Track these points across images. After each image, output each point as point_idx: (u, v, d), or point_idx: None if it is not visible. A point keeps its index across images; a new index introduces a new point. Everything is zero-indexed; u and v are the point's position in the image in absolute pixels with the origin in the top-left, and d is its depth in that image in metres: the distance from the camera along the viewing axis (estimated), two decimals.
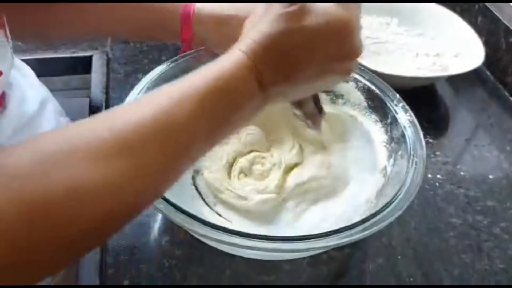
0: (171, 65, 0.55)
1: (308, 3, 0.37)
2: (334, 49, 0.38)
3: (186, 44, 0.56)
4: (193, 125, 0.33)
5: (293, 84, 0.38)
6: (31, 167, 0.27)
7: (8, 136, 0.49)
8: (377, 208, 0.43)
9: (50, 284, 0.54)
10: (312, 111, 0.51)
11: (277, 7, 0.37)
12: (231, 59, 0.36)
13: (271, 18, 0.37)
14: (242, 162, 0.56)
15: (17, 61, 0.58)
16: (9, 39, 0.50)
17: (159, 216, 0.53)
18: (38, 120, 0.54)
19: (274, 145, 0.59)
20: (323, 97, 0.58)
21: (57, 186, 0.27)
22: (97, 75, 0.71)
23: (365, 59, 0.68)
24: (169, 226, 0.52)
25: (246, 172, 0.56)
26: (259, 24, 0.37)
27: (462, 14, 0.78)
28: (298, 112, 0.52)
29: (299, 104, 0.51)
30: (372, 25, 0.78)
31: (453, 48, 0.74)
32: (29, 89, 0.56)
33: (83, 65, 0.75)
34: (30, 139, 0.29)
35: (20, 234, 0.25)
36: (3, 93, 0.49)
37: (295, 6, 0.36)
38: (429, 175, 0.60)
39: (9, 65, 0.49)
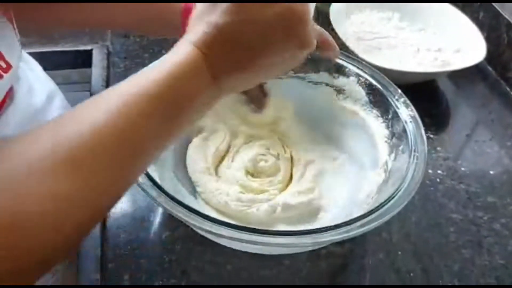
0: None
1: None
2: (286, 38, 0.37)
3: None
4: (144, 124, 0.32)
5: (246, 74, 0.38)
6: None
7: (14, 129, 0.49)
8: (378, 203, 0.43)
9: (51, 282, 0.55)
10: (257, 94, 0.52)
11: None
12: (181, 52, 0.35)
13: (221, 10, 0.36)
14: (244, 162, 0.56)
15: (24, 54, 0.58)
16: (17, 34, 0.50)
17: (159, 211, 0.53)
18: (45, 113, 0.54)
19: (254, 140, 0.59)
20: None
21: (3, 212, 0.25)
22: (97, 69, 0.71)
23: (366, 54, 0.68)
24: (169, 221, 0.52)
25: (252, 172, 0.55)
26: (208, 16, 0.36)
27: (464, 9, 0.78)
28: (241, 96, 0.54)
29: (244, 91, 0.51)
30: (373, 20, 0.78)
31: (454, 44, 0.74)
32: (36, 82, 0.56)
33: (84, 59, 0.74)
34: None
35: None
36: (12, 87, 0.49)
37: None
38: (430, 171, 0.60)
39: (18, 58, 0.49)
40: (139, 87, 0.33)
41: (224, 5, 0.36)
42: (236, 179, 0.53)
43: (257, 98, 0.54)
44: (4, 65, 0.46)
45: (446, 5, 0.78)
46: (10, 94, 0.49)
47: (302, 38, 0.38)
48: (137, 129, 0.32)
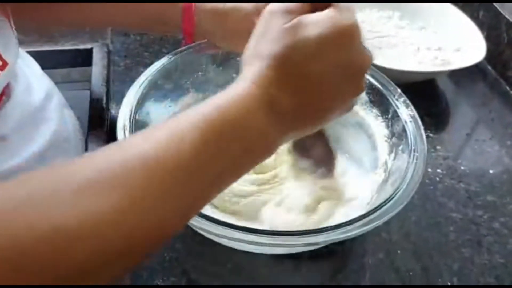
0: (172, 58, 0.55)
1: (303, 16, 0.34)
2: (344, 56, 0.35)
3: (188, 37, 0.56)
4: (194, 162, 0.29)
5: (314, 103, 0.35)
6: (14, 208, 0.24)
7: (13, 127, 0.49)
8: (378, 203, 0.43)
9: None
10: (322, 154, 0.46)
11: (276, 24, 0.34)
12: (237, 91, 0.33)
13: (272, 39, 0.34)
14: None
15: (22, 52, 0.58)
16: (14, 32, 0.50)
17: None
18: (44, 111, 0.54)
19: None
20: None
21: (43, 225, 0.24)
22: (97, 68, 0.71)
23: None
24: None
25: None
26: (260, 48, 0.35)
27: (464, 8, 0.78)
28: (304, 163, 0.47)
29: (304, 152, 0.46)
30: (373, 19, 0.78)
31: (454, 43, 0.74)
32: (34, 80, 0.56)
33: (84, 58, 0.74)
34: (22, 178, 0.27)
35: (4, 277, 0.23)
36: (8, 84, 0.49)
37: (293, 21, 0.34)
38: (430, 170, 0.61)
39: (15, 55, 0.49)
40: (191, 120, 0.31)
41: (270, 35, 0.34)
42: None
43: (325, 159, 0.48)
44: (0, 62, 0.45)
45: (446, 4, 0.78)
46: (6, 91, 0.49)
47: (361, 55, 0.35)
48: (184, 168, 0.29)
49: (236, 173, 0.33)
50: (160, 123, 0.31)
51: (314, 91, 0.34)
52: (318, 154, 0.47)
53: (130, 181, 0.27)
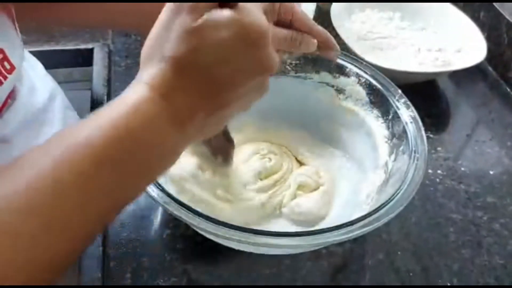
0: None
1: (209, 17, 0.32)
2: (251, 60, 0.33)
3: None
4: (92, 175, 0.29)
5: (212, 112, 0.34)
6: None
7: (16, 128, 0.49)
8: (378, 204, 0.43)
9: None
10: (221, 143, 0.46)
11: (180, 23, 0.32)
12: (134, 96, 0.31)
13: (175, 38, 0.31)
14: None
15: (26, 53, 0.58)
16: (19, 35, 0.50)
17: (160, 210, 0.53)
18: (47, 112, 0.54)
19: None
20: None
21: None
22: (98, 68, 0.71)
23: (367, 54, 0.68)
24: (170, 220, 0.52)
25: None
26: (161, 47, 0.32)
27: (464, 8, 0.78)
28: (204, 149, 0.48)
29: (205, 139, 0.46)
30: (374, 20, 0.78)
31: (455, 43, 0.74)
32: (38, 81, 0.56)
33: (85, 58, 0.74)
34: None
35: None
36: (14, 87, 0.49)
37: (199, 21, 0.31)
38: (430, 171, 0.61)
39: (21, 58, 0.49)
40: (87, 133, 0.30)
41: (174, 33, 0.32)
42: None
43: (223, 148, 0.48)
44: (8, 66, 0.46)
45: (447, 4, 0.78)
46: (12, 94, 0.49)
47: (267, 58, 0.34)
48: (85, 180, 0.29)
49: (142, 177, 0.33)
50: (62, 131, 0.31)
51: (218, 96, 0.33)
52: (216, 144, 0.47)
53: (36, 203, 0.28)
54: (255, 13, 0.33)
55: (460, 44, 0.73)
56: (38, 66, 0.60)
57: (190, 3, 0.31)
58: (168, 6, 0.33)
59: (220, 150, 0.47)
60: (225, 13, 0.31)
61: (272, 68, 0.35)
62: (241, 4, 0.32)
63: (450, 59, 0.72)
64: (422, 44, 0.75)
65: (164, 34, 0.32)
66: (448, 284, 0.49)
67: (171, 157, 0.34)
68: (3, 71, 0.45)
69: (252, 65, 0.34)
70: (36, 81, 0.55)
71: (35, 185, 0.28)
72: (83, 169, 0.29)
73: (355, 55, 0.65)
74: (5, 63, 0.45)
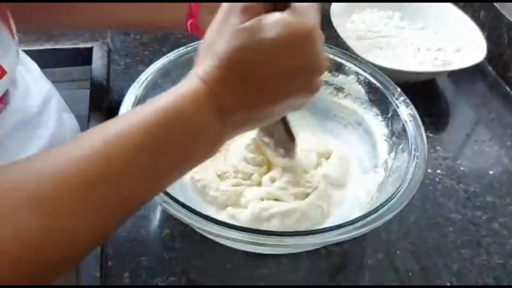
0: (172, 58, 0.55)
1: (260, 17, 0.33)
2: (297, 62, 0.34)
3: (193, 24, 0.56)
4: (135, 156, 0.31)
5: (257, 107, 0.35)
6: None
7: (8, 132, 0.48)
8: (378, 202, 0.43)
9: None
10: (283, 138, 0.47)
11: (232, 23, 0.34)
12: (185, 87, 0.34)
13: (226, 37, 0.33)
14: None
15: (22, 54, 0.58)
16: (15, 36, 0.49)
17: (159, 209, 0.53)
18: (41, 116, 0.54)
19: None
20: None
21: None
22: (97, 67, 0.71)
23: (367, 53, 0.68)
24: (169, 219, 0.52)
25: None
26: (214, 45, 0.34)
27: (464, 8, 0.78)
28: (267, 140, 0.49)
29: (268, 131, 0.48)
30: (374, 19, 0.78)
31: (455, 43, 0.74)
32: (33, 85, 0.55)
33: (84, 57, 0.74)
34: None
35: None
36: (7, 91, 0.49)
37: (249, 22, 0.33)
38: (429, 170, 0.61)
39: (14, 62, 0.48)
40: (132, 122, 0.31)
41: (225, 33, 0.34)
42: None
43: (284, 142, 0.48)
44: None
45: (447, 4, 0.78)
46: (5, 98, 0.49)
47: (316, 61, 0.35)
48: (128, 160, 0.30)
49: (180, 166, 0.34)
50: (104, 125, 0.32)
51: (260, 95, 0.35)
52: (279, 136, 0.48)
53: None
54: (307, 13, 0.34)
55: (460, 44, 0.73)
56: (34, 68, 0.59)
57: (242, 4, 0.34)
58: (223, 6, 0.35)
59: (282, 143, 0.48)
60: (275, 15, 0.33)
61: (321, 69, 0.36)
62: (294, 4, 0.34)
63: (449, 59, 0.71)
64: (422, 44, 0.75)
65: (217, 33, 0.34)
66: (448, 284, 0.49)
67: (213, 146, 0.35)
68: None
69: (300, 66, 0.35)
70: (31, 84, 0.55)
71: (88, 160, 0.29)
72: (127, 151, 0.30)
73: (355, 54, 0.65)
74: None
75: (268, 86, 0.34)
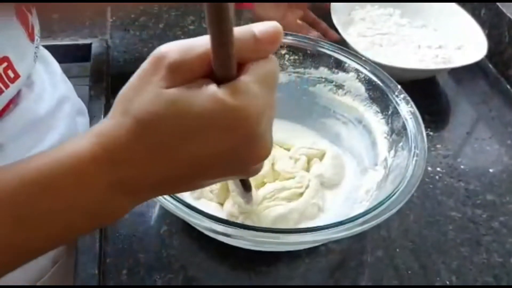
0: None
1: (193, 84, 0.27)
2: (226, 146, 0.28)
3: None
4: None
5: (166, 189, 0.31)
6: None
7: (12, 135, 0.47)
8: (378, 200, 0.43)
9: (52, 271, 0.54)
10: (240, 189, 0.44)
11: (156, 83, 0.27)
12: (78, 144, 0.28)
13: (147, 98, 0.27)
14: None
15: (45, 54, 0.57)
16: (36, 38, 0.48)
17: (158, 205, 0.53)
18: (51, 120, 0.53)
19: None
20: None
21: None
22: (96, 63, 0.71)
23: (367, 51, 0.68)
24: (167, 216, 0.52)
25: None
26: (132, 102, 0.28)
27: (465, 6, 0.77)
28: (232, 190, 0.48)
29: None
30: (374, 16, 0.78)
31: (456, 40, 0.73)
32: (49, 87, 0.54)
33: (83, 53, 0.74)
34: None
35: None
36: (19, 91, 0.48)
37: (178, 88, 0.27)
38: (429, 168, 0.60)
39: (30, 66, 0.48)
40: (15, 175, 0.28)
41: (146, 92, 0.27)
42: None
43: (241, 192, 0.45)
44: (12, 75, 0.44)
45: (448, 2, 0.78)
46: (15, 100, 0.48)
47: (250, 146, 0.29)
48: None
49: (69, 234, 0.30)
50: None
51: (171, 175, 0.29)
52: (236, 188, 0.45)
53: None
54: (253, 89, 0.27)
55: (461, 42, 0.73)
56: (55, 68, 0.59)
57: (172, 61, 0.27)
58: (151, 56, 0.28)
59: (241, 194, 0.46)
60: (208, 87, 0.27)
61: (258, 158, 0.30)
62: (240, 78, 0.27)
63: (450, 56, 0.71)
64: (422, 41, 0.74)
65: (139, 89, 0.28)
66: (447, 283, 0.49)
67: (110, 218, 0.31)
68: (6, 80, 0.44)
69: (229, 152, 0.29)
70: (47, 87, 0.54)
71: None
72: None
73: (355, 51, 0.65)
74: (9, 72, 0.44)
75: (185, 168, 0.29)
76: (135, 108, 0.28)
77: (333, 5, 0.74)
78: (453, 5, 0.77)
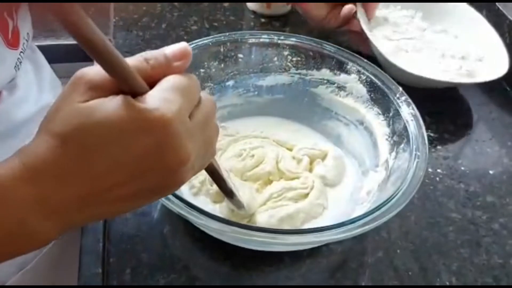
0: None
1: (109, 97, 0.28)
2: (139, 153, 0.29)
3: None
4: None
5: (90, 206, 0.30)
6: None
7: None
8: (379, 201, 0.43)
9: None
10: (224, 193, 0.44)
11: (73, 99, 0.28)
12: (4, 163, 0.29)
13: (64, 114, 0.28)
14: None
15: (39, 59, 0.57)
16: (21, 45, 0.48)
17: (160, 205, 0.53)
18: (32, 126, 0.52)
19: None
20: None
21: None
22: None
23: (393, 56, 0.67)
24: (170, 215, 0.52)
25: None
26: (54, 118, 0.29)
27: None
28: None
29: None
30: (396, 17, 0.76)
31: (477, 50, 0.72)
32: (36, 93, 0.54)
33: (85, 53, 0.74)
34: None
35: None
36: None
37: (94, 101, 0.28)
38: (430, 170, 0.61)
39: (6, 73, 0.47)
40: None
41: (66, 108, 0.28)
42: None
43: (228, 200, 0.46)
44: None
45: (466, 7, 0.76)
46: None
47: (166, 154, 0.29)
48: None
49: None
50: None
51: (94, 192, 0.29)
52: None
53: None
54: (161, 98, 0.29)
55: (482, 53, 0.72)
56: (45, 73, 0.58)
57: (90, 78, 0.29)
58: (71, 78, 0.30)
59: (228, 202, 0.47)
60: (121, 97, 0.28)
61: (175, 167, 0.30)
62: (152, 90, 0.29)
63: (473, 69, 0.70)
64: (446, 50, 0.73)
65: (59, 107, 0.29)
66: (447, 284, 0.49)
67: (30, 244, 0.30)
68: None
69: (144, 160, 0.29)
70: (32, 93, 0.53)
71: None
72: None
73: (382, 56, 0.65)
74: None
75: (107, 179, 0.29)
76: (55, 125, 0.29)
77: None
78: (473, 11, 0.75)
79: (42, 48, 0.73)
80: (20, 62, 0.49)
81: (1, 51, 0.46)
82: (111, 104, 0.28)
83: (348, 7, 0.69)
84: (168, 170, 0.30)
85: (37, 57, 0.58)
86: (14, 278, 0.53)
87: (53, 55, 0.74)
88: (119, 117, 0.28)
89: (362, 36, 0.68)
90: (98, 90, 0.29)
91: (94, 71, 0.29)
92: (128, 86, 0.29)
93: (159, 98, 0.29)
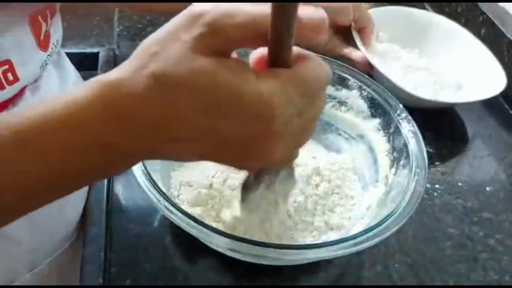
0: None
1: (224, 63, 0.26)
2: (242, 129, 0.27)
3: None
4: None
5: (169, 149, 0.28)
6: None
7: None
8: (378, 217, 0.44)
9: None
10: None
11: (186, 39, 0.26)
12: (84, 90, 0.27)
13: (173, 54, 0.26)
14: None
15: (64, 63, 0.59)
16: (51, 47, 0.49)
17: (162, 216, 0.54)
18: None
19: None
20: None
21: None
22: (103, 72, 0.71)
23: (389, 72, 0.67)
24: (172, 226, 0.53)
25: None
26: (157, 53, 0.27)
27: (466, 25, 0.79)
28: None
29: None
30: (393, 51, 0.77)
31: (474, 73, 0.74)
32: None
33: (90, 62, 0.75)
34: None
35: None
36: (23, 94, 0.49)
37: (209, 60, 0.26)
38: (428, 185, 0.61)
39: (32, 73, 0.48)
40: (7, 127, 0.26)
41: (175, 48, 0.26)
42: None
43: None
44: (11, 78, 0.45)
45: (469, 37, 0.77)
46: (15, 101, 0.49)
47: (265, 132, 0.27)
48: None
49: (70, 184, 0.29)
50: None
51: (179, 139, 0.27)
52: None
53: None
54: (288, 97, 0.27)
55: (478, 72, 0.73)
56: (68, 76, 0.59)
57: (209, 22, 0.25)
58: (186, 11, 0.27)
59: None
60: (250, 79, 0.26)
61: (257, 160, 0.29)
62: (284, 78, 0.27)
63: (470, 86, 0.71)
64: (442, 72, 0.74)
65: (165, 42, 0.27)
66: None
67: (105, 174, 0.31)
68: (3, 81, 0.45)
69: (237, 140, 0.27)
70: (55, 93, 0.55)
71: None
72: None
73: (378, 71, 0.66)
74: (9, 74, 0.45)
75: (188, 142, 0.27)
76: (157, 64, 0.26)
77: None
78: (473, 39, 0.76)
79: None
80: (46, 64, 0.51)
81: (32, 50, 0.48)
82: (238, 77, 0.25)
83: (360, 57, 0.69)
84: (247, 160, 0.29)
85: (62, 61, 0.60)
86: (22, 279, 0.54)
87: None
88: (239, 92, 0.25)
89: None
90: (217, 38, 0.25)
91: (216, 11, 0.25)
92: (276, 52, 0.26)
93: (286, 95, 0.26)
